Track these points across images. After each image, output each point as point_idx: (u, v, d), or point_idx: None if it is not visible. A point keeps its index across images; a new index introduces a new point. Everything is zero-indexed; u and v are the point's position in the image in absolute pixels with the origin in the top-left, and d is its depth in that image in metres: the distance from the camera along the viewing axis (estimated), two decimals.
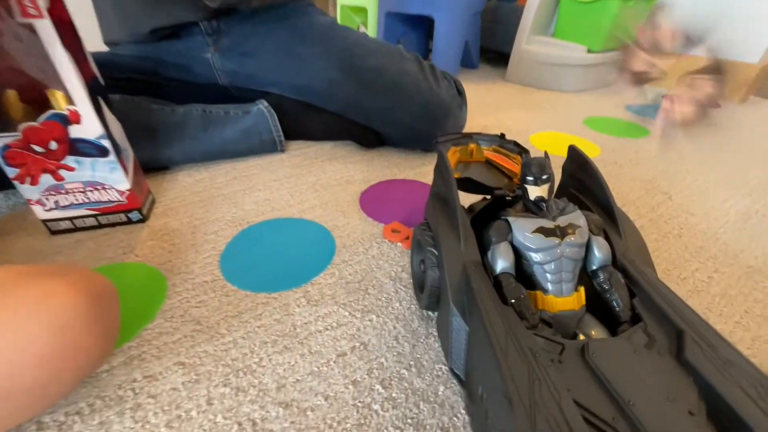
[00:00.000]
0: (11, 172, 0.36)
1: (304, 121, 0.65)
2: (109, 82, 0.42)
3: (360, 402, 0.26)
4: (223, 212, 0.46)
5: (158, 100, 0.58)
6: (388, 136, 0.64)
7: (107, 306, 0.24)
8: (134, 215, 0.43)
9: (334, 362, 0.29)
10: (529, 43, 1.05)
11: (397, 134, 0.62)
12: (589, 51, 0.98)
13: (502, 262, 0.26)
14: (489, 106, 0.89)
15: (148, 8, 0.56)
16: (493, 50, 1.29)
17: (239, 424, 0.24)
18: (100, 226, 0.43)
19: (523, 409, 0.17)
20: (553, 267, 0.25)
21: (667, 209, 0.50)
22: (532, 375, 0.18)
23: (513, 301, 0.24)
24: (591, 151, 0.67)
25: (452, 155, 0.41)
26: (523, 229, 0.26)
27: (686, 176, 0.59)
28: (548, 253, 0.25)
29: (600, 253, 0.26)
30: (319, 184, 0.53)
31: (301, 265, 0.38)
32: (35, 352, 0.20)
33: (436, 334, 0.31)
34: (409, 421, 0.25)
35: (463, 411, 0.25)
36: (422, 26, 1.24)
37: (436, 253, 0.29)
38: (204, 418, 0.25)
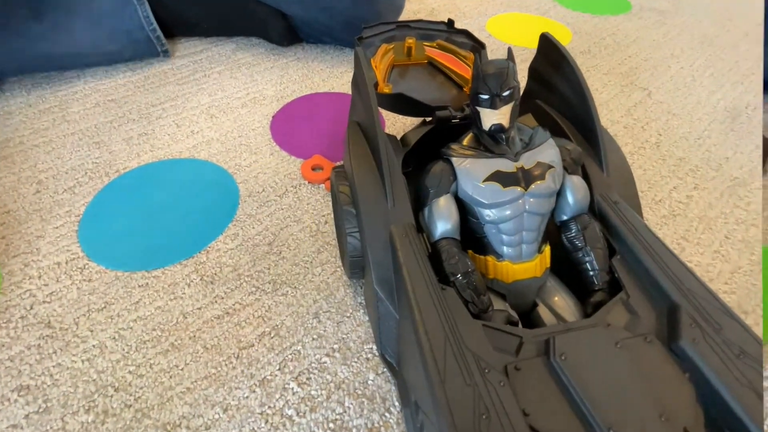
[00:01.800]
0: None
1: (190, 6, 0.51)
2: None
3: (270, 408, 0.22)
4: (80, 157, 0.37)
5: None
6: (300, 24, 0.51)
7: None
8: None
9: (237, 358, 0.24)
10: None
11: (307, 17, 0.50)
12: None
13: (441, 225, 0.21)
14: None
15: None
16: None
17: None
18: None
19: None
20: (511, 226, 0.20)
21: (646, 110, 0.46)
22: (479, 407, 0.15)
23: (455, 279, 0.20)
24: (560, 36, 0.59)
25: (383, 56, 0.33)
26: (473, 177, 0.21)
27: (671, 64, 0.54)
28: (506, 208, 0.20)
29: (574, 198, 0.22)
30: (216, 106, 0.43)
31: (193, 227, 0.32)
32: None
33: (365, 307, 0.28)
34: (330, 425, 0.22)
35: (397, 404, 0.23)
36: None
37: (354, 212, 0.24)
38: None
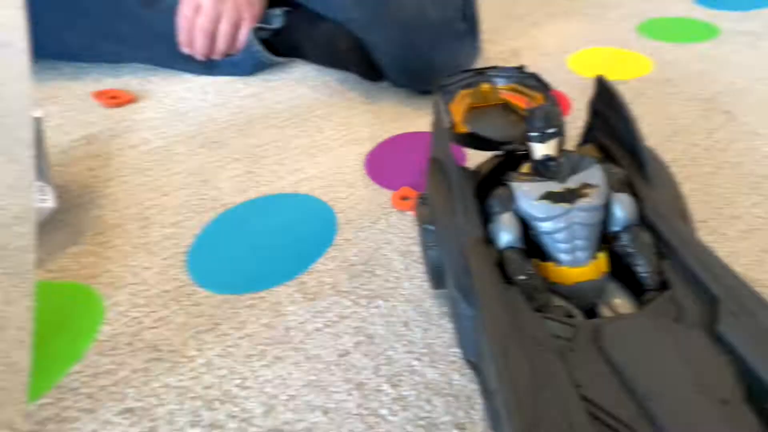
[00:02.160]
0: None
1: (301, 32, 0.61)
2: None
3: (365, 409, 0.26)
4: (187, 194, 0.43)
5: None
6: (385, 68, 0.56)
7: None
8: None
9: (335, 365, 0.28)
10: None
11: (386, 63, 0.55)
12: None
13: (505, 236, 0.25)
14: (521, 19, 0.79)
15: None
16: None
17: None
18: None
19: (523, 425, 0.17)
20: (564, 236, 0.24)
21: (727, 132, 0.46)
22: (536, 379, 0.18)
23: (518, 279, 0.23)
24: (641, 68, 0.60)
25: (461, 101, 0.38)
26: (528, 196, 0.25)
27: (757, 87, 0.53)
28: (558, 220, 0.24)
29: (622, 212, 0.25)
30: (315, 147, 0.50)
31: (295, 251, 0.37)
32: None
33: (448, 314, 0.31)
34: (420, 422, 0.25)
35: (479, 402, 0.25)
36: None
37: (432, 229, 0.28)
38: None
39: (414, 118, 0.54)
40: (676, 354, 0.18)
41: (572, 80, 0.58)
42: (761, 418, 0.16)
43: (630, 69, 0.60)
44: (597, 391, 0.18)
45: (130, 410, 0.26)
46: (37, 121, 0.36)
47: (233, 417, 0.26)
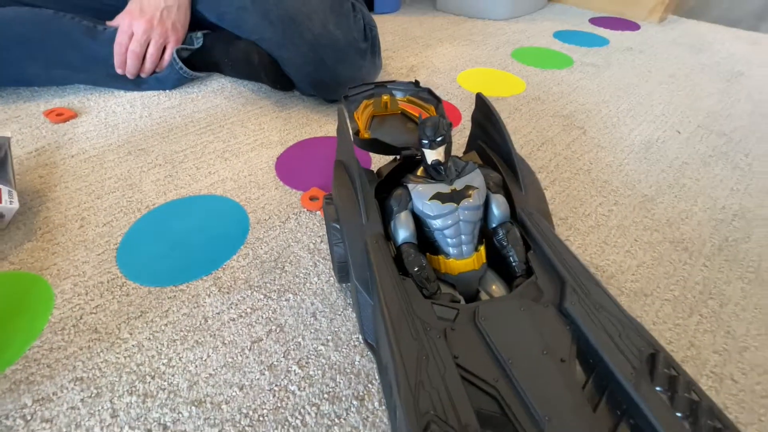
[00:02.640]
0: None
1: (217, 51, 0.63)
2: None
3: (276, 386, 0.26)
4: (116, 197, 0.42)
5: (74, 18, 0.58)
6: (294, 79, 0.59)
7: None
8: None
9: (249, 350, 0.28)
10: None
11: (296, 76, 0.57)
12: None
13: (402, 233, 0.26)
14: (417, 41, 0.84)
15: None
16: None
17: (149, 431, 0.24)
18: None
19: (410, 397, 0.18)
20: (452, 231, 0.26)
21: (581, 144, 0.53)
22: (421, 352, 0.19)
23: (412, 271, 0.24)
24: (517, 87, 0.67)
25: (364, 110, 0.38)
26: (421, 197, 0.26)
27: (602, 108, 0.62)
28: (446, 218, 0.25)
29: (498, 210, 0.27)
30: (229, 151, 0.49)
31: (211, 249, 0.36)
32: None
33: (352, 304, 0.32)
34: (325, 396, 0.26)
35: (376, 378, 0.27)
36: None
37: (338, 227, 0.28)
38: None
39: (322, 124, 0.55)
40: (531, 327, 0.21)
41: (462, 94, 0.63)
42: (587, 369, 0.20)
43: (508, 88, 0.66)
44: (470, 360, 0.20)
45: (80, 379, 0.27)
46: (7, 140, 0.40)
47: (162, 389, 0.26)
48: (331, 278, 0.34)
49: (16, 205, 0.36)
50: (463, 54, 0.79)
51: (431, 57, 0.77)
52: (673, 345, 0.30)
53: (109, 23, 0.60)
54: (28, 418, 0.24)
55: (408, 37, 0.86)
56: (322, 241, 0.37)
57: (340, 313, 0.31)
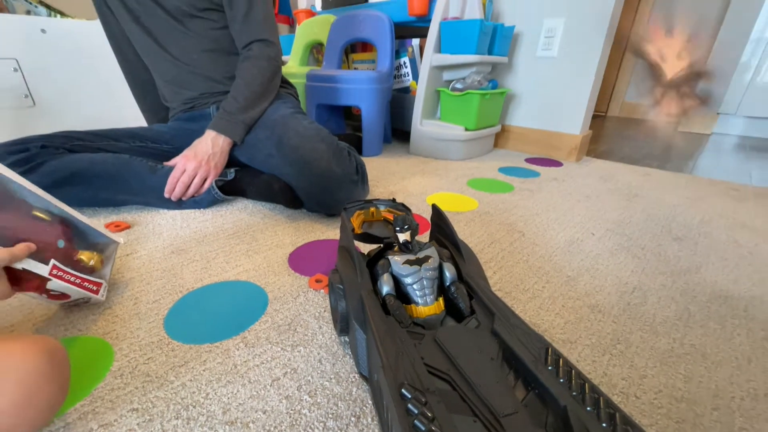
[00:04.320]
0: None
1: (245, 181, 0.82)
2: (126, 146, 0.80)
3: (292, 410, 0.33)
4: (162, 283, 0.51)
5: (141, 159, 0.78)
6: (304, 201, 0.76)
7: (59, 363, 0.28)
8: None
9: (270, 386, 0.35)
10: (423, 124, 1.30)
11: (306, 198, 0.75)
12: (466, 129, 1.24)
13: (386, 288, 0.37)
14: (395, 175, 1.06)
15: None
16: (401, 129, 1.53)
17: None
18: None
19: (391, 372, 0.26)
20: (418, 285, 0.37)
21: (521, 243, 0.67)
22: (398, 352, 0.28)
23: (393, 312, 0.34)
24: (470, 205, 0.85)
25: (358, 217, 0.52)
26: (397, 263, 0.38)
27: (536, 219, 0.79)
28: (413, 276, 0.37)
29: (449, 273, 0.39)
30: (252, 250, 0.61)
31: (239, 317, 0.45)
32: (6, 401, 0.24)
33: (350, 352, 0.40)
34: (330, 415, 0.32)
35: (370, 402, 0.34)
36: (340, 112, 1.47)
37: (342, 287, 0.39)
38: None
39: (323, 231, 0.69)
40: (472, 341, 0.32)
41: (429, 211, 0.79)
42: (509, 365, 0.30)
43: (464, 206, 0.84)
44: (432, 359, 0.30)
45: (136, 409, 0.33)
46: (117, 245, 0.50)
47: (202, 415, 0.33)
48: (333, 335, 0.42)
49: (103, 298, 0.45)
50: (430, 183, 1.00)
51: (407, 185, 0.97)
52: (591, 375, 0.38)
53: (166, 163, 0.79)
54: None
55: (388, 172, 1.09)
56: (324, 311, 0.46)
57: (340, 359, 0.39)
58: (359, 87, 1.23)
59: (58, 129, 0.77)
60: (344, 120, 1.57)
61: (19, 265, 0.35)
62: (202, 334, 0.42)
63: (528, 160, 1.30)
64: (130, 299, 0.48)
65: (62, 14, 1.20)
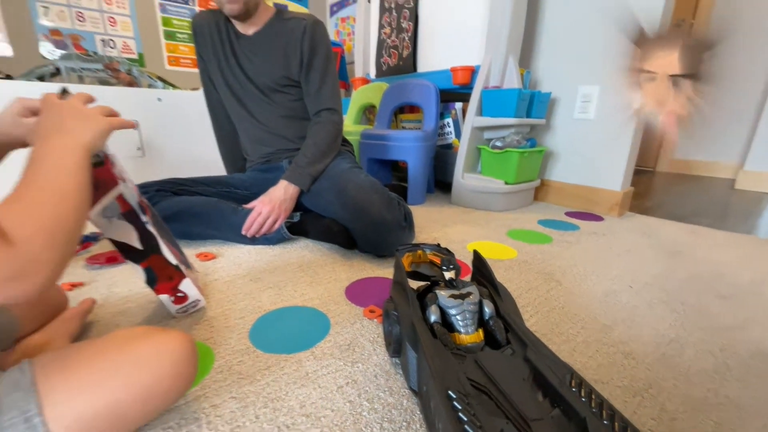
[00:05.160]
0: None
1: (308, 224, 0.96)
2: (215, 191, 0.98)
3: (354, 412, 0.40)
4: (245, 304, 0.62)
5: (226, 202, 0.95)
6: (358, 243, 0.86)
7: (194, 351, 0.38)
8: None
9: (336, 391, 0.43)
10: (464, 178, 1.40)
11: (360, 240, 0.85)
12: (506, 183, 1.32)
13: (433, 317, 0.44)
14: (438, 222, 1.15)
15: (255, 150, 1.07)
16: (443, 181, 1.65)
17: (278, 428, 0.37)
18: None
19: (439, 379, 0.33)
20: (460, 317, 0.43)
21: (557, 291, 0.71)
22: (445, 365, 0.35)
23: (440, 336, 0.41)
24: (509, 254, 0.90)
25: (407, 258, 0.61)
26: (444, 296, 0.45)
27: (573, 270, 0.82)
28: (457, 308, 0.44)
29: (488, 309, 0.45)
30: (315, 282, 0.71)
31: (307, 335, 0.54)
32: (165, 372, 0.34)
33: (401, 371, 0.46)
34: (385, 419, 0.39)
35: (419, 412, 0.40)
36: (388, 165, 1.63)
37: (396, 314, 0.46)
38: (255, 425, 0.37)
39: (374, 269, 0.78)
40: (508, 365, 0.38)
41: (470, 256, 0.86)
42: (538, 386, 0.35)
43: (504, 254, 0.90)
44: (473, 375, 0.37)
45: (234, 397, 0.42)
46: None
47: (284, 407, 0.41)
48: (386, 356, 0.49)
49: (205, 305, 0.58)
50: (471, 232, 1.07)
51: (448, 233, 1.05)
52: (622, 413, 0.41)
53: (245, 206, 0.94)
54: (207, 413, 0.39)
55: (431, 220, 1.18)
56: (378, 336, 0.54)
57: (392, 376, 0.45)
58: (407, 144, 1.37)
59: (162, 175, 0.96)
60: (391, 172, 1.72)
61: (174, 261, 0.49)
62: (279, 346, 0.51)
63: (568, 214, 1.33)
64: (221, 315, 0.58)
65: (173, 87, 1.50)
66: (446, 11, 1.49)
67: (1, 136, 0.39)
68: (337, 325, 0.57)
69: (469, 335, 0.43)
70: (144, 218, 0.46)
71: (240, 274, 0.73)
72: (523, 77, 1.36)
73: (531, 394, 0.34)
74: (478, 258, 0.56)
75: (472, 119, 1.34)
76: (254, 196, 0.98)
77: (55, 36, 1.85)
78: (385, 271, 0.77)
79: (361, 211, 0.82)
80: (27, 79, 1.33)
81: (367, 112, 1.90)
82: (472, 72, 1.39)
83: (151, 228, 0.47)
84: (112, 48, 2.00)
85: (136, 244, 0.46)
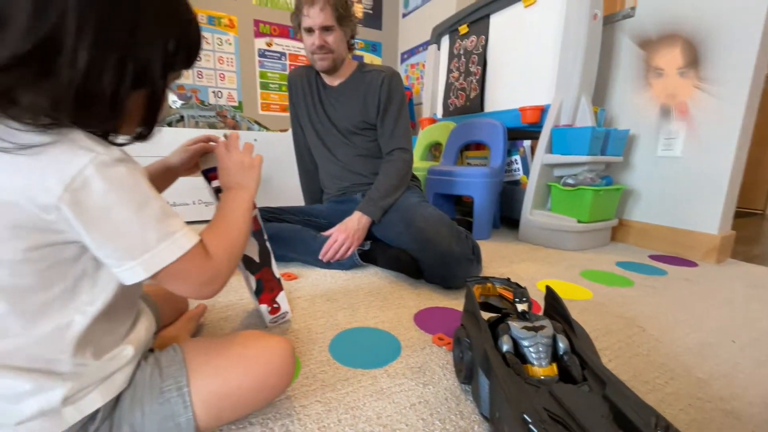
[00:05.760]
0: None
1: (377, 252, 1.02)
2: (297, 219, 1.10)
3: (427, 429, 0.42)
4: (324, 320, 0.69)
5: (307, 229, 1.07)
6: (425, 273, 0.89)
7: (293, 354, 0.44)
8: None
9: (408, 408, 0.46)
10: (533, 214, 1.37)
11: (427, 271, 0.89)
12: (579, 221, 1.26)
13: (506, 346, 0.45)
14: (505, 258, 1.14)
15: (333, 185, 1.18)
16: (510, 217, 1.63)
17: (360, 431, 0.41)
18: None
19: (514, 403, 0.35)
20: (533, 349, 0.44)
21: (641, 338, 0.66)
22: (521, 394, 0.36)
23: (513, 365, 0.42)
24: (584, 294, 0.86)
25: (477, 290, 0.63)
26: (516, 327, 0.46)
27: (660, 316, 0.76)
28: (530, 339, 0.44)
29: (562, 344, 0.45)
30: (385, 306, 0.76)
31: (381, 354, 0.58)
32: (274, 369, 0.40)
33: (471, 398, 0.47)
34: None
35: None
36: (452, 200, 1.67)
37: (468, 341, 0.48)
38: (338, 428, 0.42)
39: (440, 300, 0.81)
40: (586, 400, 0.38)
41: (540, 294, 0.83)
42: (618, 425, 0.35)
43: (577, 294, 0.86)
44: (548, 406, 0.37)
45: (319, 401, 0.47)
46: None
47: (363, 415, 0.45)
48: (456, 382, 0.51)
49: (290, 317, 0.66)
50: (540, 269, 1.04)
51: (516, 269, 1.03)
52: None
53: (323, 233, 1.04)
54: (297, 411, 0.44)
55: (498, 256, 1.17)
56: (447, 363, 0.56)
57: (463, 401, 0.47)
58: (475, 180, 1.40)
59: (258, 204, 1.11)
60: (454, 206, 1.75)
61: (277, 274, 0.58)
62: (356, 361, 0.55)
63: (653, 257, 1.22)
64: (304, 328, 0.65)
65: (266, 129, 1.74)
66: (515, 55, 1.55)
67: (176, 164, 0.54)
68: (408, 348, 0.60)
69: (542, 368, 0.43)
70: (265, 236, 0.56)
71: (318, 294, 0.81)
72: (597, 115, 1.33)
73: (611, 430, 0.33)
74: (551, 294, 0.56)
75: (542, 156, 1.34)
76: (330, 224, 1.08)
77: (180, 90, 2.28)
78: (452, 302, 0.79)
79: (429, 243, 0.86)
80: (159, 126, 1.65)
81: (433, 149, 1.99)
82: (542, 111, 1.40)
83: (268, 245, 0.57)
84: (219, 98, 2.39)
85: (256, 257, 0.56)
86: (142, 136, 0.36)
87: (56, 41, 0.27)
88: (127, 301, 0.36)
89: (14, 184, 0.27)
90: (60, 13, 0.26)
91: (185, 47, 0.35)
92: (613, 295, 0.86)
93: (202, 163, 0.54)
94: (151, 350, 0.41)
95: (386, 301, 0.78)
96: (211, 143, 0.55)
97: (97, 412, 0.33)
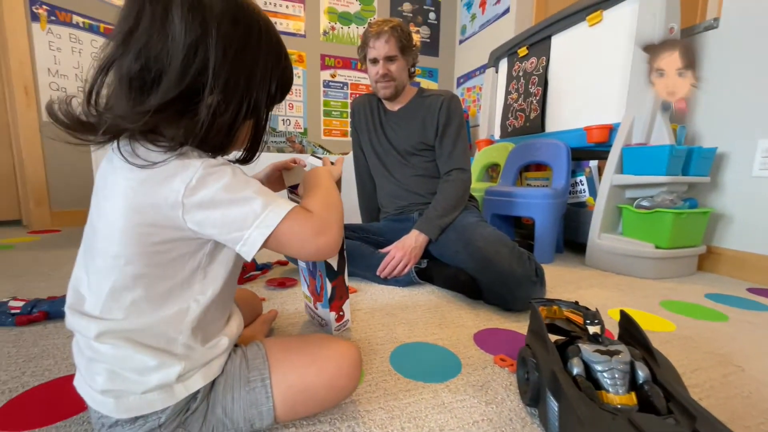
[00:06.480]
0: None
1: (434, 271, 1.02)
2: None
3: None
4: (383, 333, 0.71)
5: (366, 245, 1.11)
6: (484, 294, 0.88)
7: (360, 358, 0.46)
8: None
9: (472, 425, 0.45)
10: (601, 238, 1.28)
11: (487, 292, 0.87)
12: (656, 247, 1.15)
13: (576, 369, 0.43)
14: (571, 284, 1.07)
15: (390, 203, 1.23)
16: (573, 241, 1.54)
17: None
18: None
19: (590, 429, 0.33)
20: (608, 374, 0.42)
21: (738, 378, 0.58)
22: (596, 420, 0.35)
23: (584, 389, 0.40)
24: (666, 326, 0.78)
25: (542, 311, 0.61)
26: (588, 350, 0.44)
27: (763, 356, 0.66)
28: (604, 364, 0.42)
29: (641, 372, 0.42)
30: (442, 324, 0.76)
31: (441, 370, 0.58)
32: (344, 372, 0.43)
33: (538, 421, 0.46)
34: None
35: None
36: (511, 221, 1.63)
37: (534, 361, 0.47)
38: None
39: (500, 321, 0.79)
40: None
41: (612, 323, 0.77)
42: None
43: (656, 326, 0.79)
44: None
45: (382, 408, 0.49)
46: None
47: (426, 426, 0.45)
48: (521, 404, 0.50)
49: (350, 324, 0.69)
50: (611, 297, 0.96)
51: (583, 295, 0.97)
52: None
53: (381, 250, 1.07)
54: (363, 415, 0.46)
55: (563, 281, 1.11)
56: (510, 384, 0.54)
57: (528, 424, 0.46)
58: (536, 201, 1.36)
59: None
60: (513, 228, 1.70)
61: (347, 283, 0.62)
62: (416, 374, 0.56)
63: (752, 290, 1.07)
64: (365, 339, 0.68)
65: (329, 152, 1.87)
66: (578, 74, 1.51)
67: (261, 178, 0.61)
68: (468, 366, 0.59)
69: (619, 395, 0.40)
70: (343, 245, 0.61)
71: (377, 308, 0.84)
72: (676, 132, 1.23)
73: None
74: (626, 318, 0.52)
75: (611, 177, 1.26)
76: (387, 242, 1.11)
77: None
78: (513, 324, 0.77)
79: (488, 262, 0.86)
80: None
81: (490, 170, 1.97)
82: (610, 130, 1.33)
83: (345, 254, 0.61)
84: (287, 125, 2.62)
85: (335, 265, 0.61)
86: (246, 161, 0.43)
87: (195, 90, 0.34)
88: (225, 298, 0.42)
89: (154, 190, 0.34)
90: (201, 69, 0.34)
91: (282, 85, 0.42)
92: (701, 329, 0.77)
93: (286, 179, 0.61)
94: (236, 345, 0.46)
95: (444, 319, 0.78)
96: (293, 163, 0.61)
97: (197, 392, 0.38)
